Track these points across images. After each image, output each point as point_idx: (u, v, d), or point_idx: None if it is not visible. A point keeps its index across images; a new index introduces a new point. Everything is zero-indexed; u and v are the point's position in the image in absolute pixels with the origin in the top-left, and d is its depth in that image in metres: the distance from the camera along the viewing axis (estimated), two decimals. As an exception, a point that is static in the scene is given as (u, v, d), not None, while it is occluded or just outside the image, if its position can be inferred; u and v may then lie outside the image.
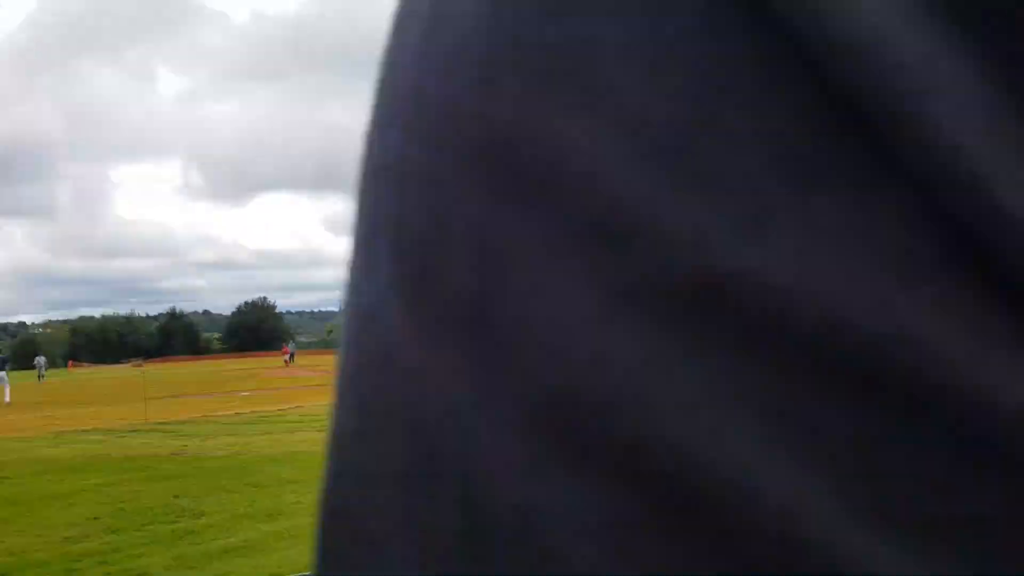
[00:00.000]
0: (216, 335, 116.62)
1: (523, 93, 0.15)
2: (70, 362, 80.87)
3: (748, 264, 0.13)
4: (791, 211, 0.13)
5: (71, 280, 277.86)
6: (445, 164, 0.16)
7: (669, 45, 0.14)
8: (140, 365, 43.61)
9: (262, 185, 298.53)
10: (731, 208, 0.13)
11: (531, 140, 0.14)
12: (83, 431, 15.44)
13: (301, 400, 19.83)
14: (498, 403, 0.14)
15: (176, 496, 8.52)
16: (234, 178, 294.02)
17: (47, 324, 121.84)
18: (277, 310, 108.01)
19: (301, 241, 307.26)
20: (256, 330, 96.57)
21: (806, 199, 0.13)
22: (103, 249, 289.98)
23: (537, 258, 0.14)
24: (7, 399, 25.11)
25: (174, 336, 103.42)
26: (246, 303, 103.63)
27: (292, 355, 54.96)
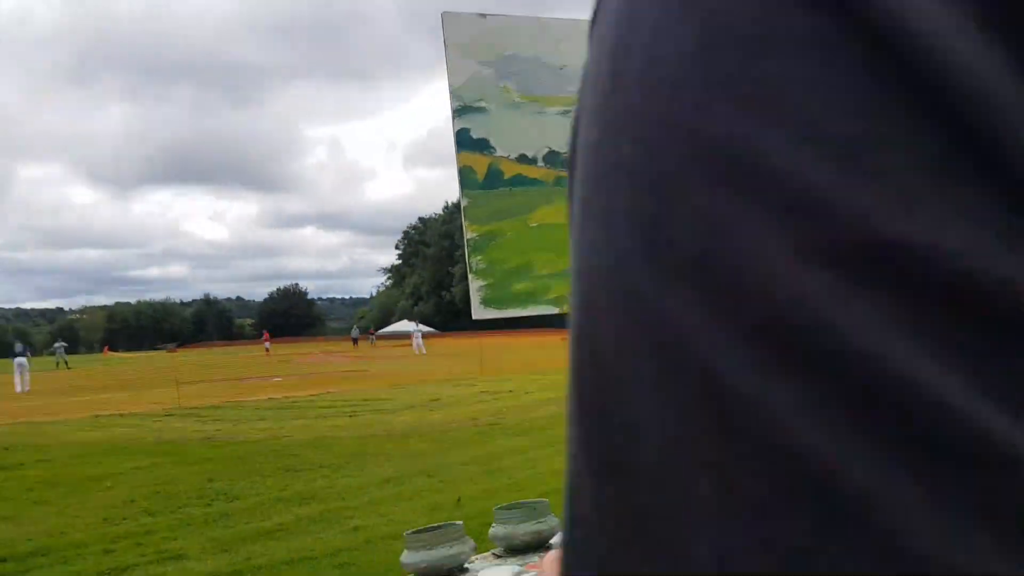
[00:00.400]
0: (249, 321, 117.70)
1: (733, 113, 0.20)
2: (106, 348, 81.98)
3: (900, 231, 0.18)
4: (933, 196, 0.18)
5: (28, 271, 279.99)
6: (671, 165, 0.21)
7: (841, 78, 0.19)
8: (174, 350, 44.05)
9: (140, 181, 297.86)
10: (890, 193, 0.18)
11: (742, 146, 0.20)
12: (119, 415, 15.67)
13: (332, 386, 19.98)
14: (725, 324, 0.19)
15: (210, 480, 8.61)
16: (114, 175, 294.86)
17: (83, 310, 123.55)
18: (309, 296, 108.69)
19: (231, 232, 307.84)
20: (288, 316, 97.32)
21: (944, 188, 0.18)
22: (48, 241, 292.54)
23: (748, 227, 0.19)
24: (18, 388, 25.33)
25: (208, 322, 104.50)
26: (278, 290, 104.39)
27: (356, 340, 56.66)
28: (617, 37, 0.24)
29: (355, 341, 57.00)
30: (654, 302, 0.21)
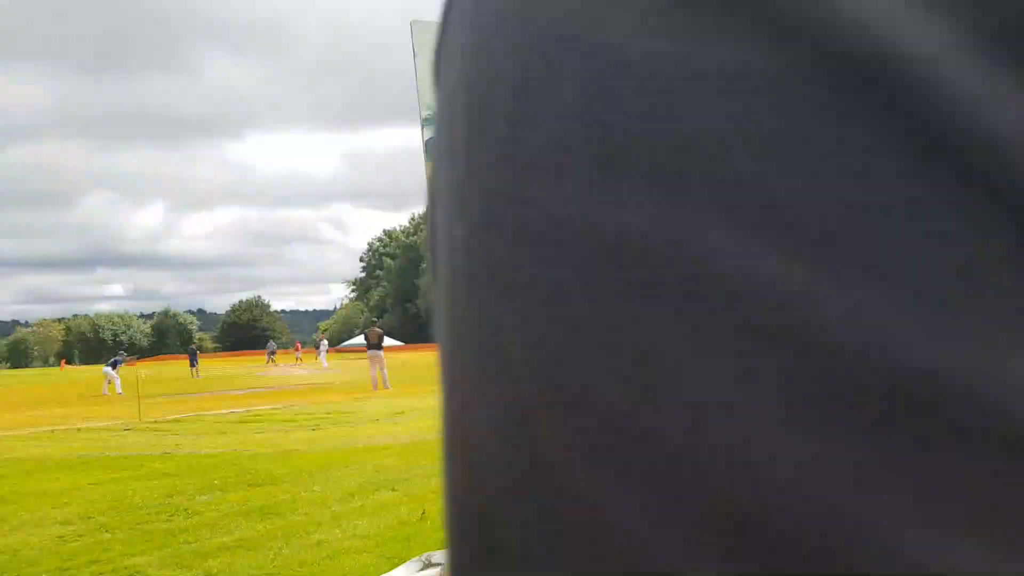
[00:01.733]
0: (210, 334, 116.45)
1: (648, 194, 0.14)
2: (63, 361, 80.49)
3: (938, 362, 0.12)
4: (968, 304, 0.12)
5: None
6: (569, 272, 0.15)
7: (798, 131, 0.13)
8: (134, 363, 43.45)
9: None
10: (906, 302, 0.12)
11: (668, 243, 0.14)
12: (76, 429, 15.38)
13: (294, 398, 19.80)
14: (683, 527, 0.13)
15: (170, 495, 8.48)
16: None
17: (40, 323, 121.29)
18: (272, 309, 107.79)
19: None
20: (250, 329, 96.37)
21: (980, 290, 0.12)
22: None
23: (704, 364, 0.13)
24: (118, 390, 26.06)
25: (168, 335, 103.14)
26: (241, 302, 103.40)
27: (271, 354, 52.98)
28: (468, 92, 0.17)
29: (270, 356, 51.05)
30: (572, 487, 0.15)
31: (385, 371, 22.79)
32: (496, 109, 0.16)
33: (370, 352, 23.16)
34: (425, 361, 34.18)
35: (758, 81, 0.13)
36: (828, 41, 0.13)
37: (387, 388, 21.70)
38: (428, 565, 1.28)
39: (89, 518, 7.59)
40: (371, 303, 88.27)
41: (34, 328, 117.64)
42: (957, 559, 0.12)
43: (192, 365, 37.68)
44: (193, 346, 28.78)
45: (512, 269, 0.16)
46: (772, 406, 0.13)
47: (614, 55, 0.14)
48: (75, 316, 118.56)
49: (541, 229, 0.15)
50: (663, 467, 0.13)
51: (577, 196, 0.15)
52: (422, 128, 1.23)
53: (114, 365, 28.45)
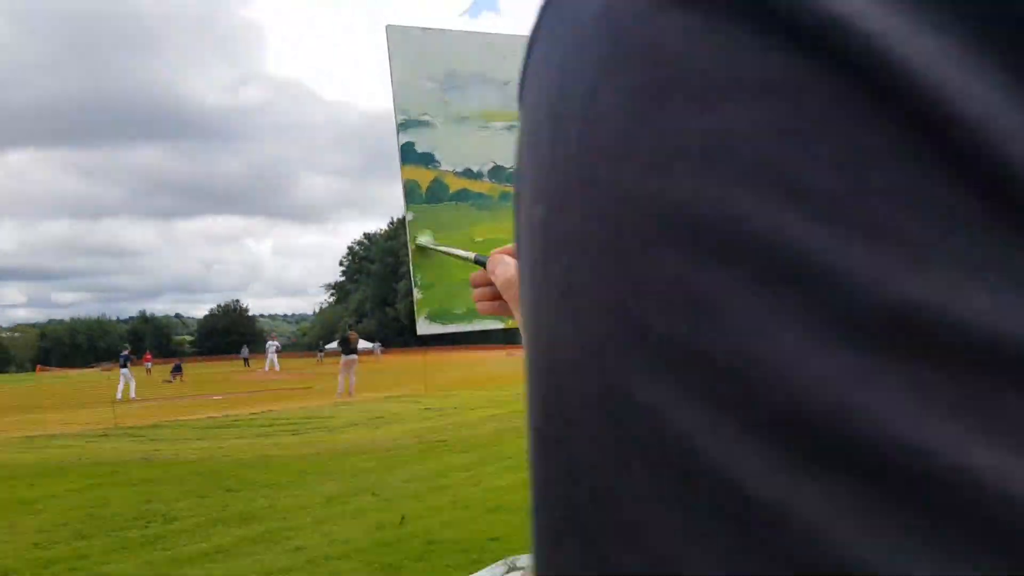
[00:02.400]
0: (188, 338, 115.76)
1: (694, 173, 0.18)
2: (38, 367, 79.63)
3: (919, 294, 0.16)
4: (940, 250, 0.16)
5: None
6: (631, 237, 0.19)
7: (813, 124, 0.17)
8: (109, 369, 43.05)
9: None
10: (895, 251, 0.16)
11: (713, 209, 0.17)
12: (52, 436, 15.21)
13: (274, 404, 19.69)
14: (736, 420, 0.17)
15: (147, 501, 8.40)
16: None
17: (15, 327, 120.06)
18: (250, 313, 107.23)
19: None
20: (228, 333, 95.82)
21: (947, 239, 0.16)
22: None
23: (742, 301, 0.17)
24: (132, 394, 24.45)
25: (145, 340, 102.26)
26: (219, 306, 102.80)
27: (246, 360, 52.25)
28: (549, 104, 0.22)
29: (246, 361, 53.05)
30: (640, 400, 0.18)
31: (354, 378, 22.07)
32: (573, 113, 0.21)
33: (345, 357, 22.35)
34: (404, 365, 34.10)
35: (783, 88, 0.17)
36: (840, 56, 0.16)
37: (351, 396, 20.91)
38: (512, 569, 1.29)
39: (65, 525, 7.51)
40: (351, 307, 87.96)
41: (9, 333, 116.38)
42: (939, 442, 0.15)
43: (175, 372, 37.33)
44: (125, 353, 25.49)
45: (587, 237, 0.20)
46: (795, 329, 0.16)
47: (665, 70, 0.18)
48: (51, 320, 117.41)
49: (610, 204, 0.19)
50: (714, 381, 0.17)
51: (637, 177, 0.19)
52: (397, 132, 1.23)
53: (124, 363, 25.57)
